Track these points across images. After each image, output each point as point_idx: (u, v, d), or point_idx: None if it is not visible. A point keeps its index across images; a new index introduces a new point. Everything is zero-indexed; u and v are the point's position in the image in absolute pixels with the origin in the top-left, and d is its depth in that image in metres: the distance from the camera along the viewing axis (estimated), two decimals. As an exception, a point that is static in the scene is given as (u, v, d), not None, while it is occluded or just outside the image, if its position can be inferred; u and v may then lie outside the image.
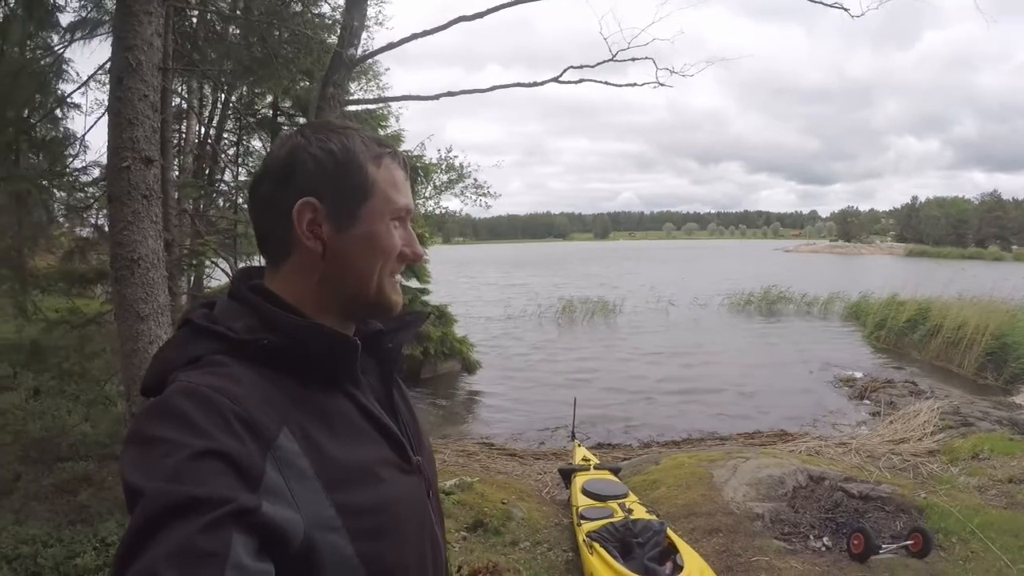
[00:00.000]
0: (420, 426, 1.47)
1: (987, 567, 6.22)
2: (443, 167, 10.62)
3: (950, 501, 7.60)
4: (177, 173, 9.03)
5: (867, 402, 15.66)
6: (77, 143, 9.37)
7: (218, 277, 9.50)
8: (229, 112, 10.78)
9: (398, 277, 1.35)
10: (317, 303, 1.25)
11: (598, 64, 9.02)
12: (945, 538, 6.76)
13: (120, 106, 5.04)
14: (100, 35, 8.68)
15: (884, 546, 6.25)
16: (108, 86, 5.95)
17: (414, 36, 8.15)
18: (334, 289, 1.26)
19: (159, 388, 1.10)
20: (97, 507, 6.32)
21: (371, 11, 8.93)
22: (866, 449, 10.55)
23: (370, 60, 9.86)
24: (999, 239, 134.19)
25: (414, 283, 11.56)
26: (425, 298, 11.67)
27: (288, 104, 10.52)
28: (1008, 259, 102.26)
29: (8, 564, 5.25)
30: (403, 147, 10.89)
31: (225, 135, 11.03)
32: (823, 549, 6.58)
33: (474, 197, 10.53)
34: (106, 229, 9.03)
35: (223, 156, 10.51)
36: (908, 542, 6.33)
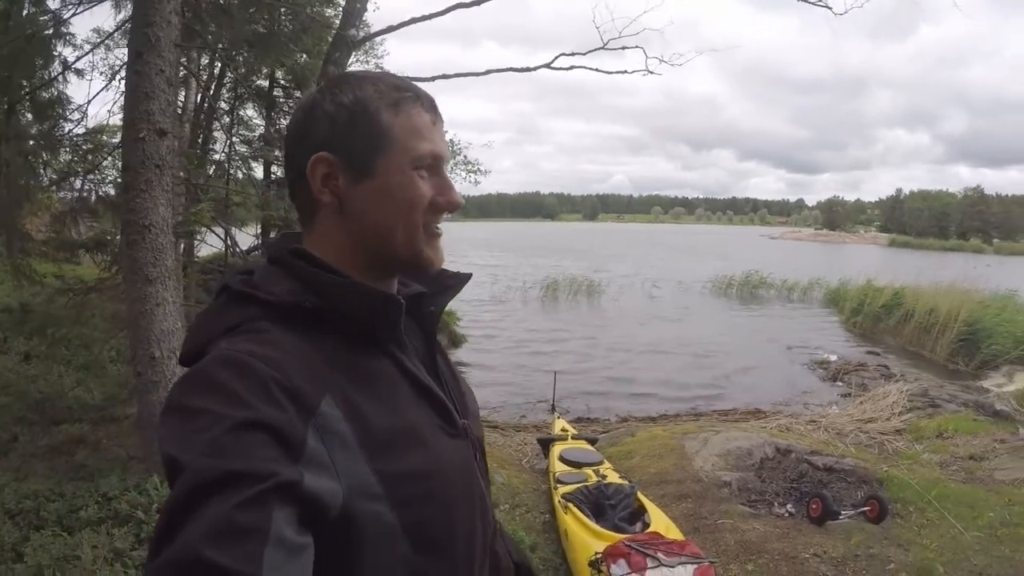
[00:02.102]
0: (464, 389, 1.44)
1: (941, 533, 6.51)
2: None
3: (910, 474, 7.92)
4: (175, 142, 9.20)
5: (840, 384, 15.98)
6: (78, 110, 9.45)
7: (211, 244, 9.59)
8: (226, 82, 10.87)
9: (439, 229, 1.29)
10: (351, 261, 1.22)
11: (589, 52, 9.18)
12: (903, 507, 7.06)
13: (138, 80, 5.27)
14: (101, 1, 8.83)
15: (843, 512, 6.57)
16: (107, 54, 6.07)
17: (413, 20, 8.30)
18: (361, 245, 1.23)
19: (198, 357, 1.08)
20: (96, 464, 6.39)
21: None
22: (835, 427, 10.87)
23: (369, 41, 10.00)
24: (981, 232, 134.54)
25: None
26: None
27: (285, 77, 10.63)
28: (988, 251, 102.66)
29: (11, 519, 5.29)
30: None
31: (220, 104, 11.11)
32: (786, 514, 6.88)
33: (464, 174, 10.62)
34: (100, 196, 9.20)
35: (218, 124, 10.63)
36: (865, 508, 6.65)
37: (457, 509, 1.20)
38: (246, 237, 9.59)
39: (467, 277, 1.43)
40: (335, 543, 1.01)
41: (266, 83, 11.02)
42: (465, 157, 10.73)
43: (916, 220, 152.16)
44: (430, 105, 1.26)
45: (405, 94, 1.23)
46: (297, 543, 0.90)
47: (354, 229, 1.22)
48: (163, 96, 5.41)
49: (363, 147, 1.19)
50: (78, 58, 9.51)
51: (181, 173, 7.90)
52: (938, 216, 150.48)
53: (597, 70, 9.72)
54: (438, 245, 1.29)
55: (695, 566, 4.44)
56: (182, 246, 10.47)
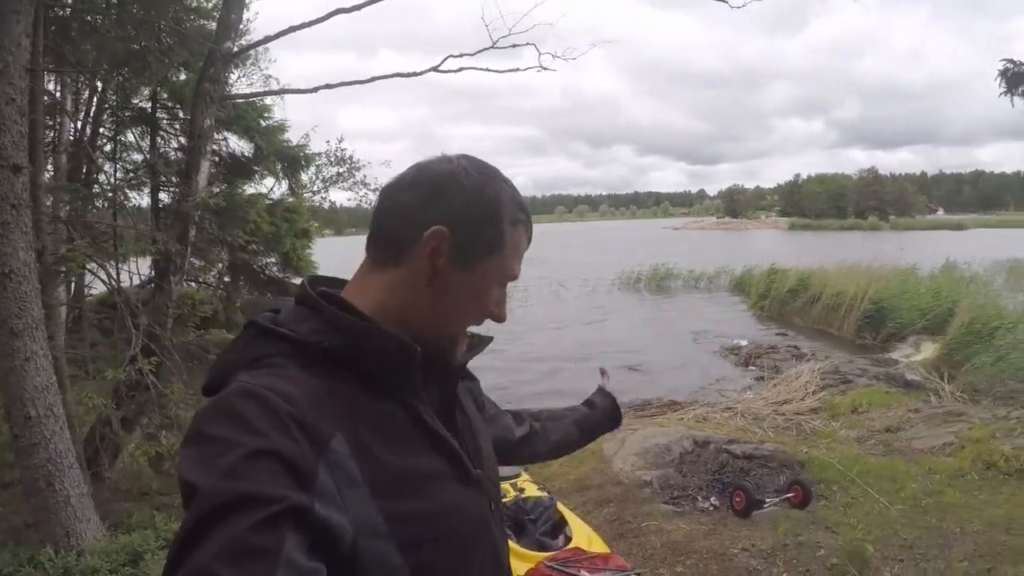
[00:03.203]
0: (483, 443, 1.45)
1: (867, 510, 6.51)
2: (332, 159, 10.33)
3: (830, 454, 7.94)
4: (52, 173, 8.65)
5: (752, 368, 16.10)
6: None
7: (97, 287, 9.14)
8: (106, 107, 10.35)
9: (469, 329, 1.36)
10: (396, 316, 1.23)
11: (478, 52, 8.97)
12: (826, 488, 7.05)
13: (-16, 111, 4.87)
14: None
15: (767, 500, 6.46)
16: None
17: (292, 29, 7.97)
18: (422, 314, 1.24)
19: (220, 388, 1.10)
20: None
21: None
22: (751, 412, 10.89)
23: (254, 50, 9.63)
24: (877, 211, 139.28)
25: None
26: None
27: (166, 96, 10.18)
28: (885, 228, 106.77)
29: None
30: (287, 136, 10.62)
31: (101, 130, 10.56)
32: (710, 509, 6.76)
33: (363, 192, 10.31)
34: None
35: (99, 154, 10.09)
36: (789, 495, 6.53)
37: (467, 557, 1.21)
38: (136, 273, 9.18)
39: (489, 339, 1.48)
40: None
41: (148, 105, 10.56)
42: (364, 176, 10.39)
43: (814, 203, 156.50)
44: (530, 231, 1.35)
45: (523, 215, 1.31)
46: (307, 568, 0.90)
47: (425, 301, 1.24)
48: (15, 128, 5.03)
49: (478, 245, 1.24)
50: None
51: (61, 211, 7.46)
52: (835, 198, 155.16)
53: (487, 70, 9.54)
54: (464, 344, 1.36)
55: (622, 580, 4.23)
56: (71, 288, 9.99)
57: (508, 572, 1.39)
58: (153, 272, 8.20)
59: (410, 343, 1.18)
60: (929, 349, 16.01)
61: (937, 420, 9.47)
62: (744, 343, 18.73)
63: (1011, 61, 10.38)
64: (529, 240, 1.35)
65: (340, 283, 1.34)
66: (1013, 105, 10.40)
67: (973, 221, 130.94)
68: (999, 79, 10.28)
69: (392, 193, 1.27)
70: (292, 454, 0.97)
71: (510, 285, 1.34)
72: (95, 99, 10.24)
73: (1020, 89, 10.15)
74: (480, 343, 1.44)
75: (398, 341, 1.17)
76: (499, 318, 1.33)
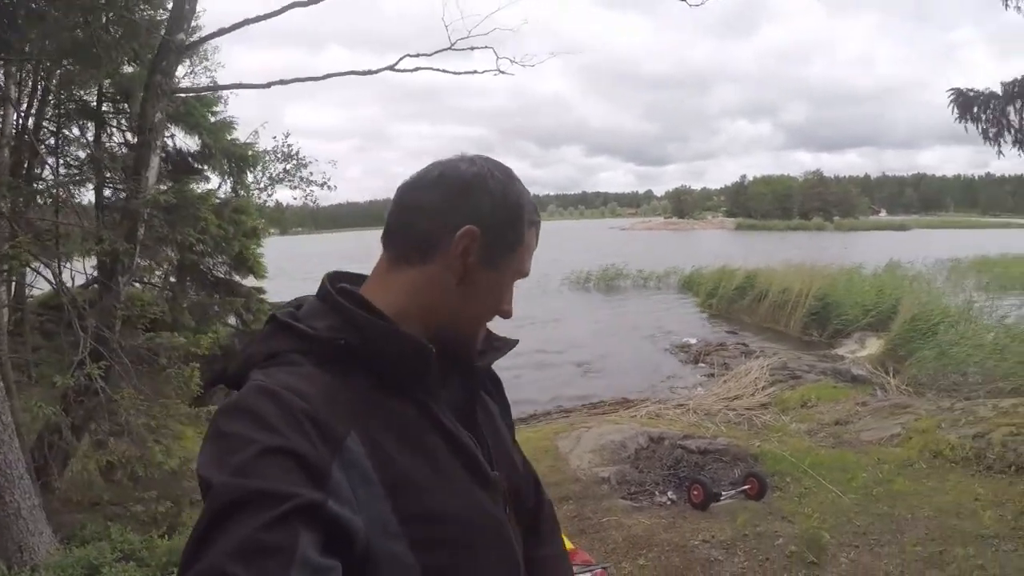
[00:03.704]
0: (506, 446, 1.45)
1: (821, 500, 6.66)
2: (279, 155, 10.11)
3: (782, 447, 8.09)
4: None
5: (702, 365, 16.26)
6: None
7: (40, 286, 8.91)
8: (50, 99, 10.06)
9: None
10: (417, 315, 1.24)
11: (436, 52, 8.93)
12: (780, 479, 7.17)
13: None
14: None
15: (724, 493, 6.57)
16: None
17: (247, 21, 7.88)
18: (448, 312, 1.26)
19: (241, 379, 1.12)
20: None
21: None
22: (703, 408, 11.00)
23: (200, 46, 9.47)
24: (821, 212, 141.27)
25: (251, 280, 11.07)
26: (262, 296, 11.22)
27: (112, 91, 9.95)
28: (830, 229, 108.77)
29: None
30: (235, 135, 10.47)
31: (44, 123, 10.26)
32: (668, 503, 6.82)
33: (308, 190, 10.11)
34: None
35: (43, 147, 9.81)
36: (745, 487, 6.67)
37: (483, 558, 1.19)
38: (79, 272, 8.94)
39: (514, 343, 1.48)
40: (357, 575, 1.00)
41: (93, 98, 10.31)
42: (311, 174, 10.19)
43: (760, 203, 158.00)
44: (539, 229, 1.38)
45: (537, 217, 1.35)
46: (323, 565, 0.90)
47: (454, 300, 1.25)
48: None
49: (504, 243, 1.27)
50: None
51: (2, 206, 7.25)
52: (781, 199, 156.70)
53: (444, 71, 9.51)
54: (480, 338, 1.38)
55: (588, 574, 4.25)
56: (12, 289, 9.75)
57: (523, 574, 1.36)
58: (98, 272, 8.03)
59: (426, 345, 1.18)
60: (874, 345, 16.34)
61: (884, 413, 9.63)
62: (694, 341, 18.90)
63: (958, 89, 10.57)
64: (537, 239, 1.37)
65: (361, 279, 1.34)
66: (967, 131, 10.61)
67: (915, 222, 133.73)
68: (951, 106, 10.45)
69: (414, 192, 1.28)
70: (306, 452, 0.97)
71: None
72: (39, 90, 9.96)
73: (973, 112, 10.33)
74: (505, 346, 1.45)
75: (414, 342, 1.17)
76: (507, 314, 1.36)
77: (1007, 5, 10.08)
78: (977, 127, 10.34)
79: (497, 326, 1.38)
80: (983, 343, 13.04)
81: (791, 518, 6.27)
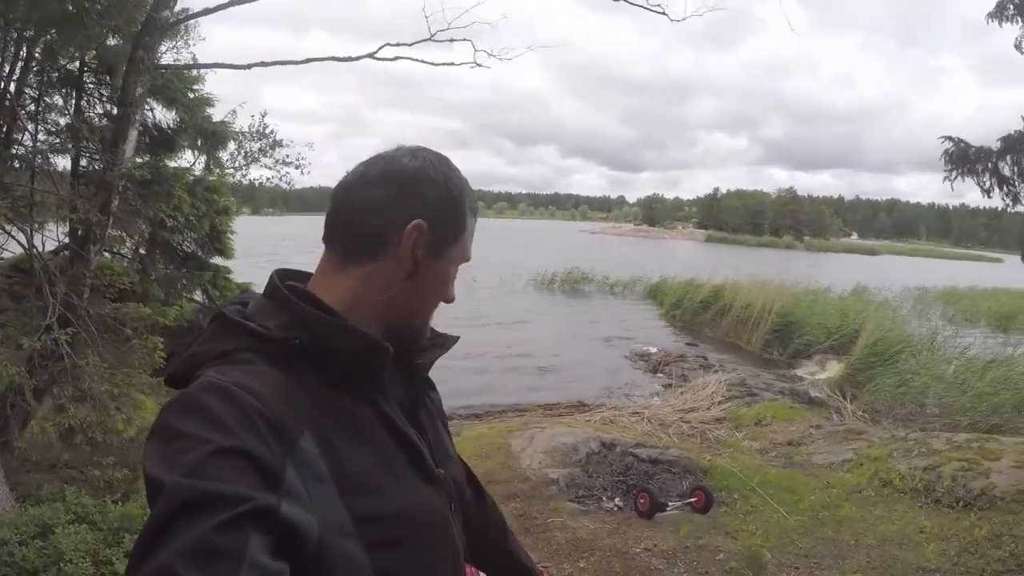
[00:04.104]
0: (447, 444, 1.47)
1: (766, 519, 6.73)
2: (254, 135, 10.03)
3: (733, 463, 8.14)
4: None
5: (661, 375, 16.31)
6: None
7: (11, 249, 8.86)
8: (33, 65, 9.98)
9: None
10: (370, 312, 1.25)
11: (416, 43, 8.92)
12: (728, 495, 7.25)
13: None
14: None
15: (670, 504, 6.66)
16: None
17: (232, 3, 7.87)
18: (398, 306, 1.27)
19: (187, 381, 1.10)
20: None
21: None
22: (658, 418, 11.08)
23: (183, 24, 9.43)
24: (792, 230, 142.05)
25: (218, 260, 10.95)
26: (228, 276, 11.11)
27: (95, 62, 9.87)
28: (799, 248, 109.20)
29: None
30: (211, 112, 10.40)
31: (27, 90, 10.18)
32: (615, 509, 6.90)
33: (284, 171, 10.03)
34: None
35: (22, 113, 9.74)
36: (692, 499, 6.77)
37: (430, 556, 1.22)
38: (51, 238, 8.92)
39: (455, 339, 1.51)
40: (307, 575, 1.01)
41: (75, 66, 10.23)
42: (287, 156, 10.10)
43: (732, 217, 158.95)
44: (477, 214, 1.42)
45: (475, 204, 1.39)
46: (272, 568, 0.90)
47: (404, 294, 1.27)
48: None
49: (448, 235, 1.30)
50: None
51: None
52: (753, 214, 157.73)
53: (423, 61, 9.44)
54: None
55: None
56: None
57: (464, 572, 1.40)
58: (70, 240, 8.02)
59: (381, 342, 1.20)
60: (834, 368, 16.44)
61: (838, 437, 9.70)
62: (654, 350, 18.93)
63: (951, 139, 10.65)
64: (475, 223, 1.40)
65: (307, 277, 1.34)
66: (953, 189, 10.74)
67: (886, 247, 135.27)
68: (942, 158, 10.52)
69: (358, 189, 1.28)
70: (259, 453, 0.97)
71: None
72: (21, 57, 9.91)
73: (965, 167, 10.42)
74: (447, 342, 1.48)
75: (370, 340, 1.18)
76: (450, 300, 1.38)
77: (1002, 21, 10.20)
78: (975, 180, 10.43)
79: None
80: (943, 375, 13.13)
81: (734, 534, 6.34)
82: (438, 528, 1.25)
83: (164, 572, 0.84)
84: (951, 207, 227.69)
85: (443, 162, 1.33)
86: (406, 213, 1.23)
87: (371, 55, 8.87)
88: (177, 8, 7.99)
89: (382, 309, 1.26)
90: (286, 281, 1.26)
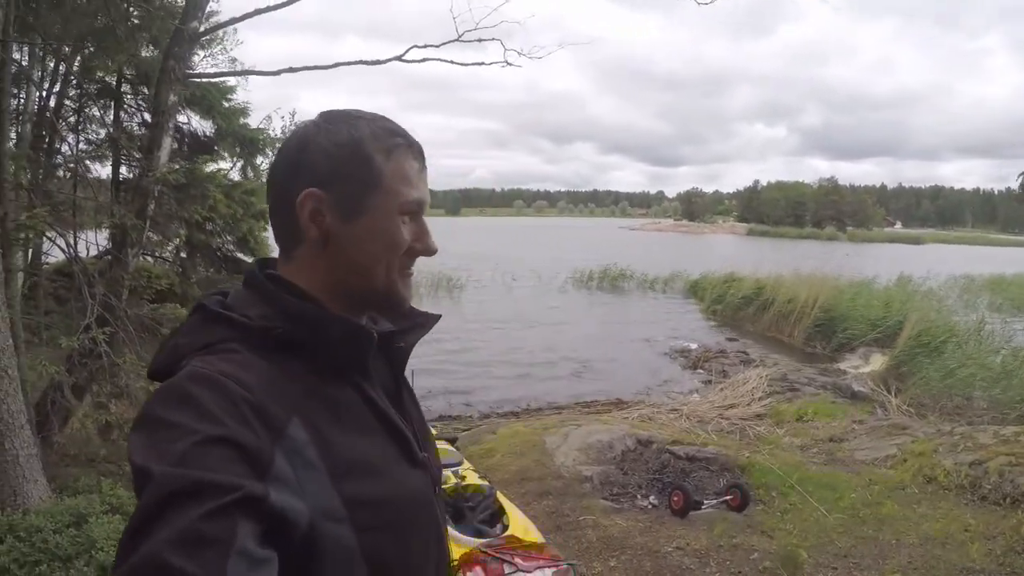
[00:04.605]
0: (426, 427, 1.46)
1: (804, 518, 6.61)
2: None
3: (772, 460, 8.02)
4: (14, 141, 8.56)
5: (700, 371, 16.24)
6: None
7: (55, 254, 9.07)
8: (71, 79, 10.24)
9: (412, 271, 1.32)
10: (327, 293, 1.23)
11: (444, 44, 8.91)
12: (765, 493, 7.16)
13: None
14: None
15: (705, 502, 6.59)
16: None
17: (258, 11, 7.91)
18: (340, 280, 1.24)
19: (170, 373, 1.10)
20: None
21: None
22: (696, 415, 11.00)
23: (221, 31, 9.54)
24: (835, 221, 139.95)
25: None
26: None
27: (132, 73, 10.07)
28: (842, 239, 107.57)
29: None
30: (249, 120, 10.57)
31: (66, 102, 10.44)
32: (649, 507, 6.85)
33: None
34: None
35: (63, 124, 9.99)
36: (727, 498, 6.69)
37: (414, 537, 1.22)
38: (94, 244, 9.13)
39: (437, 317, 1.47)
40: (298, 562, 1.01)
41: (113, 79, 10.47)
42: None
43: (773, 210, 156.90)
44: (419, 152, 1.30)
45: (397, 140, 1.26)
46: (260, 556, 0.91)
47: (336, 264, 1.23)
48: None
49: (355, 189, 1.21)
50: None
51: (23, 178, 7.41)
52: (794, 205, 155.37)
53: (452, 62, 9.44)
54: (409, 284, 1.33)
55: (553, 570, 4.30)
56: (29, 255, 9.89)
57: (447, 554, 1.42)
58: (110, 244, 8.17)
59: (364, 327, 1.21)
60: (878, 361, 16.19)
61: (881, 432, 9.59)
62: (694, 346, 18.82)
63: None
64: (419, 159, 1.29)
65: None
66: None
67: (930, 236, 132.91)
68: (1020, 177, 10.37)
69: (269, 180, 1.28)
70: (247, 441, 0.98)
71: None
72: (60, 71, 10.15)
73: None
74: (428, 321, 1.43)
75: (353, 326, 1.19)
76: (426, 251, 1.30)
77: None
78: None
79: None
80: (990, 365, 12.87)
81: (771, 533, 6.26)
82: (423, 511, 1.27)
83: (152, 560, 0.84)
84: (997, 192, 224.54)
85: (335, 117, 1.26)
86: (296, 188, 1.20)
87: (398, 58, 8.90)
88: (211, 18, 8.10)
89: (333, 287, 1.24)
90: (265, 270, 1.26)
